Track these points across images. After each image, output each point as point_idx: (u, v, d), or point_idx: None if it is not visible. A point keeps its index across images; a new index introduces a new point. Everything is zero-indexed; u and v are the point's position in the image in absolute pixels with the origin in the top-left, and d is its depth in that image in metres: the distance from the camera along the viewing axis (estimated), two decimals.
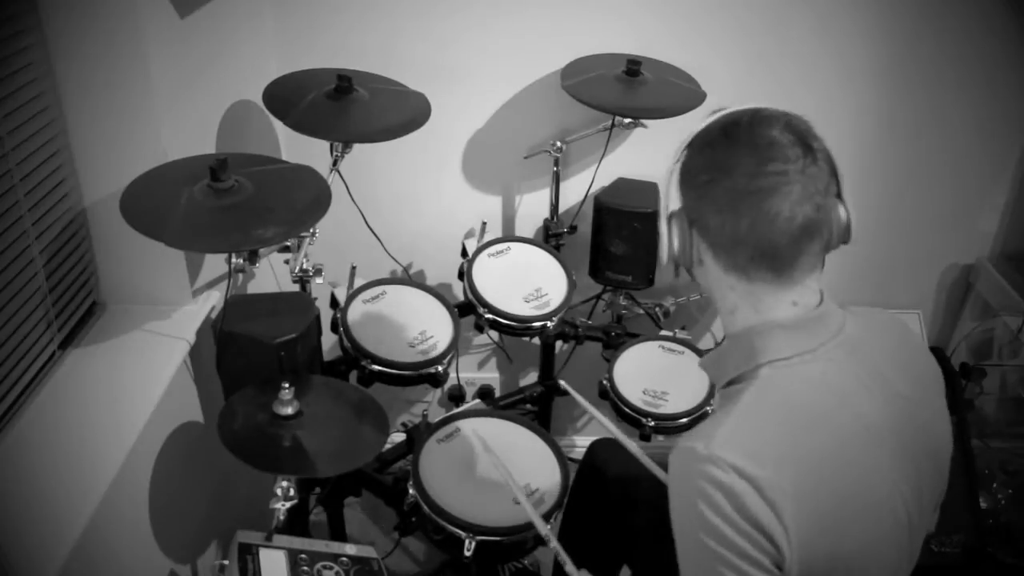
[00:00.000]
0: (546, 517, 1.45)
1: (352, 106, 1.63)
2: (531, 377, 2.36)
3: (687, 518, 0.91)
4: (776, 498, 0.87)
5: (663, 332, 1.93)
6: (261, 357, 1.45)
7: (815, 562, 0.89)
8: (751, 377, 0.98)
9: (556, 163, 2.01)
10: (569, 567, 1.28)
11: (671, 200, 1.03)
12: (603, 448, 1.67)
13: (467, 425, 1.65)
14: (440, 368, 1.69)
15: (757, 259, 0.97)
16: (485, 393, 2.03)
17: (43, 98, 1.35)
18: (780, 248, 0.96)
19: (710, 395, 1.76)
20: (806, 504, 0.88)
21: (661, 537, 1.40)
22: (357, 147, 1.72)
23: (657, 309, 2.13)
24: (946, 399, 1.13)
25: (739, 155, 0.94)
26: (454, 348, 1.74)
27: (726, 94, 1.90)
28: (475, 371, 2.38)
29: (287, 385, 1.37)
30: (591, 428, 2.42)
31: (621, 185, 2.07)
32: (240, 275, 1.60)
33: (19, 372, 1.31)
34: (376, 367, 1.65)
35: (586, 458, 1.67)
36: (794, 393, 0.96)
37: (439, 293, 1.83)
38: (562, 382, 1.74)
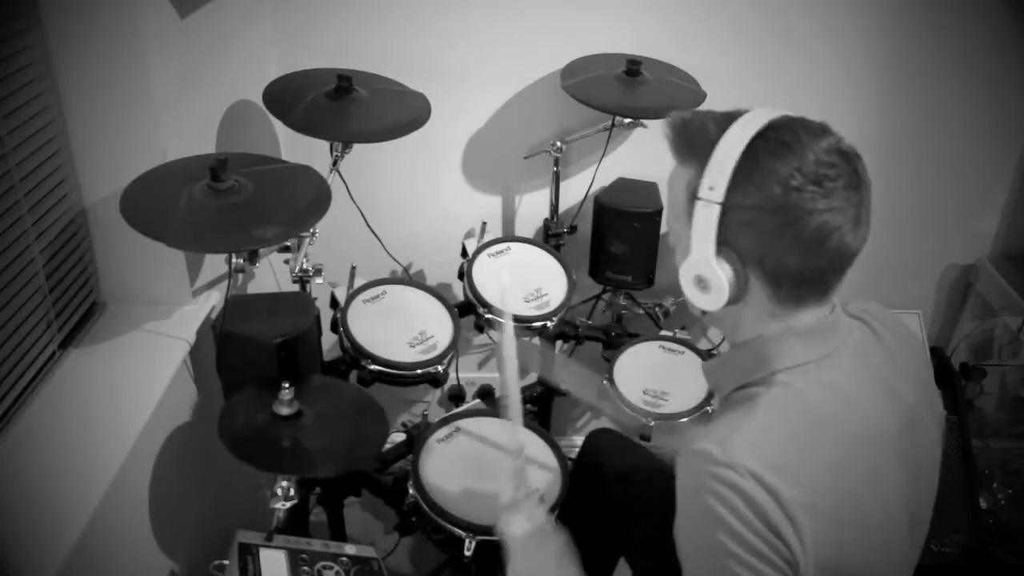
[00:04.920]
0: None
1: (352, 106, 1.63)
2: (531, 377, 2.36)
3: (699, 518, 0.89)
4: (795, 512, 0.86)
5: (663, 332, 1.93)
6: (261, 357, 1.44)
7: (825, 568, 0.89)
8: (766, 383, 0.96)
9: (556, 163, 2.01)
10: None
11: (706, 237, 0.93)
12: (600, 439, 1.67)
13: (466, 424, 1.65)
14: (440, 368, 1.69)
15: (814, 289, 0.95)
16: (485, 393, 2.03)
17: (43, 98, 1.35)
18: (837, 276, 0.95)
19: (710, 395, 1.76)
20: (821, 515, 0.88)
21: (660, 529, 1.40)
22: (357, 147, 1.72)
23: (657, 309, 2.13)
24: (943, 399, 1.13)
25: (818, 197, 0.88)
26: (454, 348, 1.74)
27: (726, 94, 1.90)
28: (475, 371, 2.38)
29: (287, 385, 1.37)
30: (591, 428, 2.42)
31: (621, 185, 2.07)
32: (240, 275, 1.60)
33: (19, 372, 1.31)
34: (376, 367, 1.65)
35: (583, 450, 1.67)
36: (811, 402, 0.94)
37: (439, 293, 1.83)
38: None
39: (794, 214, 0.89)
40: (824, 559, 0.88)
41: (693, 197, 0.93)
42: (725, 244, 0.92)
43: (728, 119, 0.93)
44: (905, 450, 0.99)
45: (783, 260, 0.92)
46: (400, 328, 1.74)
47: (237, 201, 1.32)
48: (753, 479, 0.85)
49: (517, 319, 1.82)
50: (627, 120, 1.97)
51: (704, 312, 1.00)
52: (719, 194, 0.90)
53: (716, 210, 0.91)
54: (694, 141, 0.94)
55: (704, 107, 1.80)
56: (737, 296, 0.95)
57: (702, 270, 0.94)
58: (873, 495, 0.95)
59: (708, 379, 1.09)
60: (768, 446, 0.89)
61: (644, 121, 1.98)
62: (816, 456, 0.91)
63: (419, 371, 1.67)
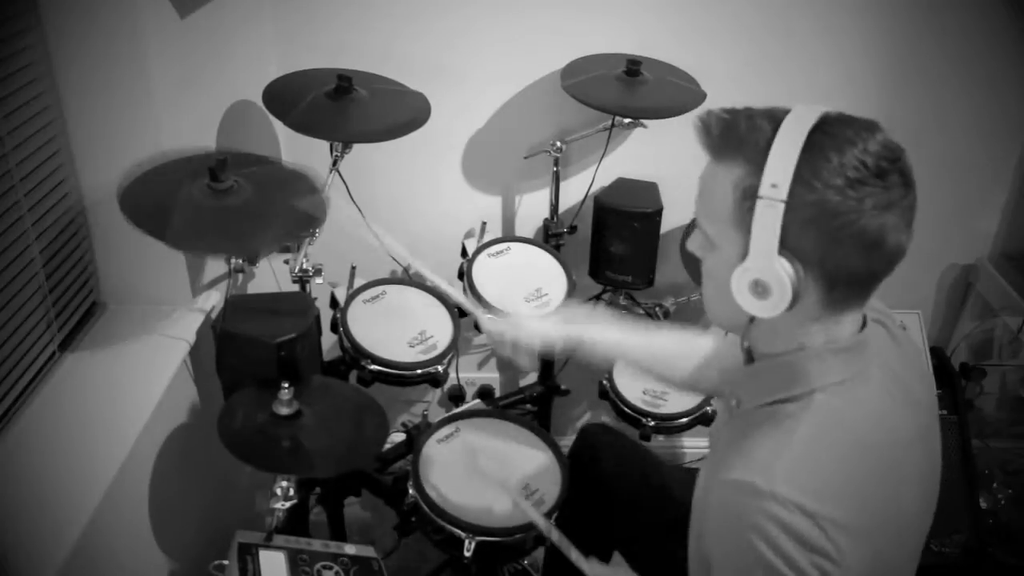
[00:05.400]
0: (545, 517, 1.45)
1: (352, 106, 1.63)
2: (531, 377, 2.36)
3: (741, 553, 0.87)
4: (837, 536, 0.85)
5: None
6: (261, 357, 1.45)
7: None
8: (802, 402, 0.93)
9: (556, 163, 2.01)
10: (575, 554, 1.28)
11: (768, 238, 0.88)
12: (594, 432, 1.66)
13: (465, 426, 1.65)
14: (440, 368, 1.69)
15: (862, 292, 0.94)
16: (485, 393, 2.03)
17: (43, 98, 1.35)
18: (883, 278, 0.93)
19: (710, 396, 1.76)
20: (861, 535, 0.87)
21: (655, 522, 1.40)
22: (357, 147, 1.72)
23: (657, 309, 2.13)
24: (943, 399, 1.13)
25: (879, 192, 0.86)
26: (454, 348, 1.74)
27: (727, 94, 1.90)
28: (475, 371, 2.38)
29: (287, 385, 1.37)
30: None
31: (621, 185, 2.07)
32: (240, 275, 1.60)
33: (19, 372, 1.31)
34: (376, 367, 1.65)
35: (577, 443, 1.66)
36: (848, 422, 0.92)
37: (439, 293, 1.83)
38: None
39: (859, 210, 0.86)
40: (858, 573, 0.88)
41: (749, 196, 0.88)
42: (784, 245, 0.88)
43: (774, 114, 0.90)
44: (924, 455, 1.00)
45: (844, 261, 0.88)
46: (400, 328, 1.74)
47: (237, 202, 1.32)
48: (798, 511, 0.84)
49: None
50: (627, 120, 1.97)
51: (752, 319, 0.94)
52: (783, 192, 0.86)
53: (780, 208, 0.86)
54: (745, 138, 0.89)
55: (705, 107, 1.81)
56: (793, 301, 0.90)
57: (763, 274, 0.89)
58: (901, 508, 0.94)
59: (730, 391, 1.06)
60: (810, 471, 0.87)
61: (644, 121, 1.98)
62: (851, 474, 0.90)
63: (419, 371, 1.68)
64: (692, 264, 1.94)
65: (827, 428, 0.91)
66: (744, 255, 0.90)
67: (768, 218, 0.87)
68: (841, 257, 0.88)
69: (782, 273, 0.88)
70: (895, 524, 0.94)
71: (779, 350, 0.98)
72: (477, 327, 1.83)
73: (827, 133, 0.88)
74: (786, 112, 0.90)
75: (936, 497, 1.07)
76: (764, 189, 0.87)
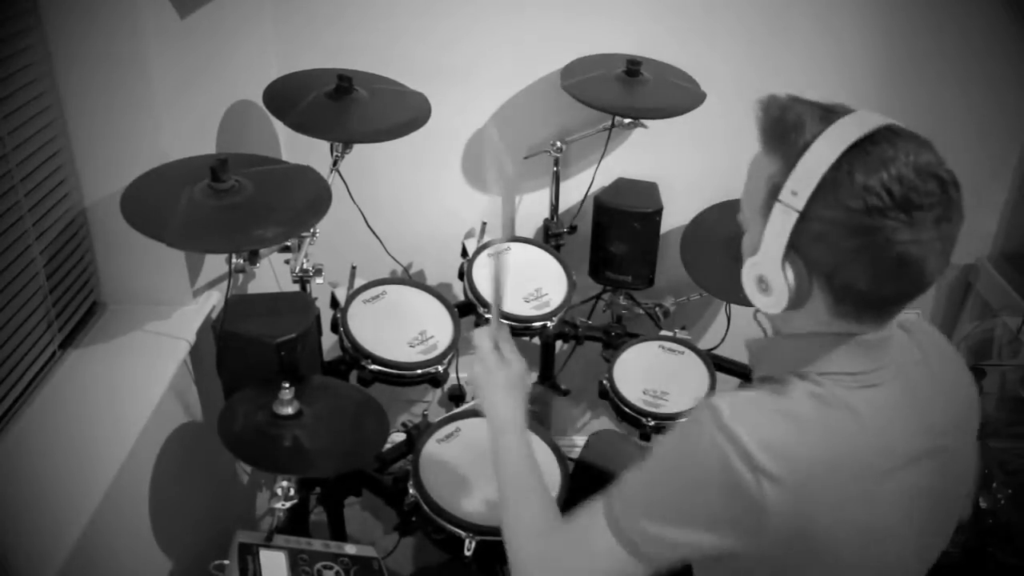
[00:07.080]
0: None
1: (352, 106, 1.64)
2: (531, 376, 2.36)
3: (686, 451, 0.93)
4: (773, 502, 0.85)
5: (663, 332, 1.94)
6: (261, 357, 1.45)
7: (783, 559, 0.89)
8: (801, 380, 0.94)
9: (556, 163, 2.02)
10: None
11: (777, 240, 0.88)
12: (601, 441, 1.66)
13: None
14: (440, 368, 1.69)
15: (877, 312, 0.92)
16: None
17: (43, 98, 1.35)
18: (903, 305, 0.91)
19: (711, 393, 1.76)
20: (797, 521, 0.87)
21: None
22: (357, 147, 1.72)
23: (657, 309, 2.13)
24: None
25: (903, 227, 0.83)
26: (454, 348, 1.74)
27: (727, 94, 1.91)
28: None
29: (287, 385, 1.37)
30: (591, 428, 2.42)
31: (621, 185, 2.08)
32: (240, 275, 1.60)
33: (19, 372, 1.31)
34: (376, 367, 1.65)
35: (584, 451, 1.67)
36: (834, 415, 0.91)
37: (439, 293, 1.83)
38: None
39: (875, 239, 0.83)
40: (783, 550, 0.88)
41: (773, 195, 0.88)
42: (795, 250, 0.88)
43: (827, 118, 0.87)
44: (919, 482, 0.96)
45: (853, 281, 0.87)
46: (400, 328, 1.74)
47: (237, 201, 1.32)
48: (745, 460, 0.86)
49: (517, 319, 1.82)
50: (627, 120, 1.97)
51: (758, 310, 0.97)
52: (800, 202, 0.85)
53: (794, 217, 0.86)
54: (788, 135, 0.88)
55: (706, 107, 1.81)
56: (797, 303, 0.90)
57: (767, 271, 0.90)
58: (865, 522, 0.92)
59: (750, 355, 1.07)
60: (770, 431, 0.88)
61: (644, 121, 1.98)
62: (817, 459, 0.88)
63: (419, 371, 1.67)
64: (693, 264, 1.95)
65: (808, 409, 0.91)
66: (757, 249, 0.91)
67: (782, 223, 0.87)
68: (850, 277, 0.87)
69: (783, 277, 0.89)
70: (856, 539, 0.92)
71: (789, 330, 0.98)
72: (477, 327, 1.83)
73: (866, 151, 0.84)
74: (843, 115, 0.87)
75: (952, 525, 1.05)
76: (784, 194, 0.86)
